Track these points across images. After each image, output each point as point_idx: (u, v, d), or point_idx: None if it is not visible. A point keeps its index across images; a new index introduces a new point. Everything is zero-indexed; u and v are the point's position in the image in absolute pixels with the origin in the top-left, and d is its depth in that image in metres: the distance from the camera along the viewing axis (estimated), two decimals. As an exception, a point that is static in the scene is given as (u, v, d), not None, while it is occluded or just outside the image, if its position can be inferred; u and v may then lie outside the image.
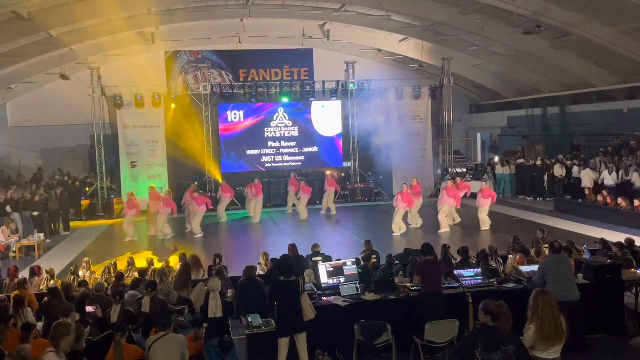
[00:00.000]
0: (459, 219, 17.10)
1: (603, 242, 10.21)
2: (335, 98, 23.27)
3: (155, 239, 16.77)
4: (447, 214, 16.56)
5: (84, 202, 21.18)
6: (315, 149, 23.38)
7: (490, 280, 8.34)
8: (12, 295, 8.22)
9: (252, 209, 19.19)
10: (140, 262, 11.58)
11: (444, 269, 8.18)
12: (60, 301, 7.85)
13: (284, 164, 23.07)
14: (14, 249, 15.10)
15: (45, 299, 8.14)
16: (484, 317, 5.09)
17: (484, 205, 16.38)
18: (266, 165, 22.96)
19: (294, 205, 20.04)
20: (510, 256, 9.85)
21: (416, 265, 8.11)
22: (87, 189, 21.90)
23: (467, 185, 18.31)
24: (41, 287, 9.71)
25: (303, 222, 18.63)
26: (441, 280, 7.87)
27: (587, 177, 18.80)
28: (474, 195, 17.77)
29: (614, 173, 18.08)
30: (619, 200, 16.33)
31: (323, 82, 23.11)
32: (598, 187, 18.15)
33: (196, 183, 18.49)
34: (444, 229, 16.15)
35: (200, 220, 17.30)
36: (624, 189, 17.44)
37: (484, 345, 4.87)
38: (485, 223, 16.31)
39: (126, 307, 7.72)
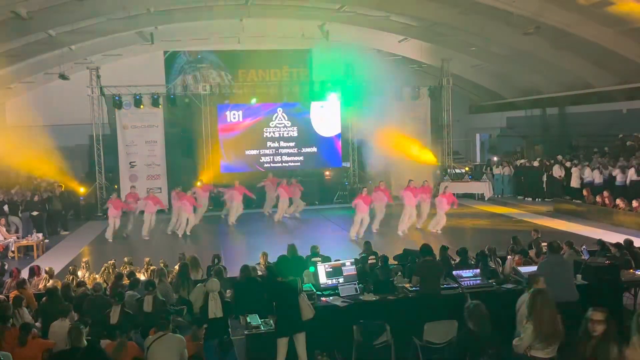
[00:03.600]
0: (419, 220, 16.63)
1: (601, 243, 10.22)
2: (334, 99, 23.26)
3: (157, 238, 16.82)
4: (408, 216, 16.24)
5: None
6: (314, 149, 23.37)
7: (489, 281, 8.35)
8: (10, 295, 8.22)
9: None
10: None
11: (442, 269, 8.19)
12: (58, 302, 7.85)
13: (283, 164, 23.06)
14: (12, 249, 15.09)
15: (44, 299, 8.14)
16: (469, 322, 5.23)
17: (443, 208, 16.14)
18: (265, 165, 22.93)
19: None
20: (509, 257, 9.85)
21: (415, 265, 8.12)
22: (84, 189, 21.88)
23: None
24: (40, 287, 9.71)
25: (300, 223, 18.66)
26: (440, 281, 7.88)
27: (574, 177, 19.51)
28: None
29: (596, 171, 18.71)
30: (618, 201, 16.36)
31: (322, 82, 23.10)
32: (595, 188, 18.27)
33: (180, 188, 18.37)
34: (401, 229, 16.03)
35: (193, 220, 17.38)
36: (611, 187, 17.87)
37: (470, 351, 4.94)
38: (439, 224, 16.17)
39: (126, 308, 7.73)
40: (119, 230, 17.03)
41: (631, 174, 17.58)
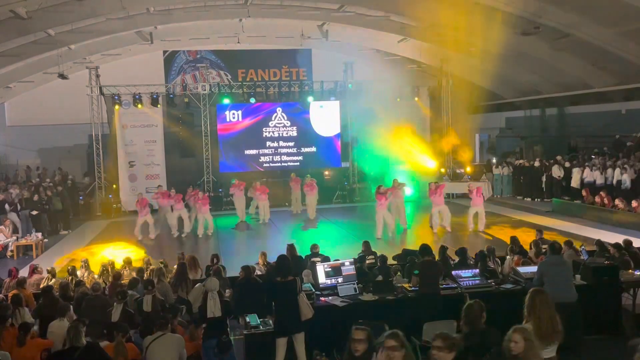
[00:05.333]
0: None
1: (599, 244, 10.22)
2: (333, 98, 23.27)
3: (157, 238, 16.82)
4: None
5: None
6: (313, 149, 23.37)
7: (488, 281, 8.35)
8: (9, 294, 8.21)
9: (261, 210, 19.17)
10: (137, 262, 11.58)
11: (442, 269, 8.19)
12: (54, 301, 7.85)
13: (283, 164, 23.06)
14: (11, 249, 15.07)
15: (41, 299, 8.15)
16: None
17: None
18: (264, 165, 22.94)
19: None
20: (508, 257, 9.86)
21: (414, 266, 8.12)
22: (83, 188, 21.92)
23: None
24: (42, 286, 9.69)
25: (303, 222, 18.64)
26: (439, 281, 7.87)
27: (574, 178, 19.49)
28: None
29: (596, 172, 18.74)
30: (617, 201, 16.39)
31: (322, 82, 23.12)
32: (595, 188, 18.31)
33: (198, 183, 18.51)
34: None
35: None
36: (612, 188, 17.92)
37: (473, 351, 4.94)
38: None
39: (128, 307, 7.73)
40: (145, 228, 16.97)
41: (616, 174, 17.79)
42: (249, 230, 18.14)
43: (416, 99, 23.65)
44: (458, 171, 23.97)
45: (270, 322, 7.10)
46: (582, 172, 19.29)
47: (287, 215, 19.99)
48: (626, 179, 17.47)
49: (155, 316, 7.34)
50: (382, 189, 16.18)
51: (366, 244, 11.10)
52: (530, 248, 10.43)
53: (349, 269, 8.37)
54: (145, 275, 9.89)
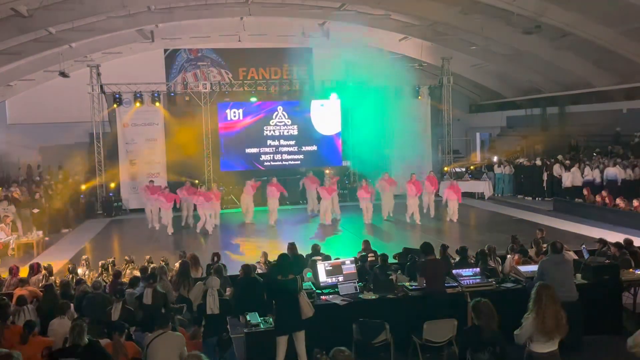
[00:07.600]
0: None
1: (602, 242, 10.21)
2: (334, 97, 23.24)
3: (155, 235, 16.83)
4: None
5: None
6: (314, 147, 23.36)
7: (489, 280, 8.34)
8: (15, 293, 8.21)
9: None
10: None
11: (446, 267, 8.19)
12: (54, 299, 7.84)
13: (283, 162, 23.06)
14: (12, 247, 15.07)
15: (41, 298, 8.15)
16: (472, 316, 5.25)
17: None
18: (265, 164, 22.94)
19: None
20: (509, 256, 9.84)
21: (419, 266, 8.09)
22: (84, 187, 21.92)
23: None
24: (40, 285, 9.69)
25: (306, 223, 18.63)
26: (444, 279, 7.87)
27: (569, 177, 19.69)
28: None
29: (596, 170, 18.91)
30: (618, 200, 16.38)
31: (323, 81, 23.10)
32: (595, 187, 18.31)
33: (197, 181, 18.55)
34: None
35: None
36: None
37: (472, 346, 4.94)
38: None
39: (127, 305, 7.73)
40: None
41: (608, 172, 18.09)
42: (251, 229, 18.12)
43: (417, 97, 23.60)
44: (458, 170, 23.97)
45: (271, 320, 7.10)
46: (583, 170, 19.30)
47: (288, 215, 19.97)
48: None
49: (155, 309, 7.33)
50: (364, 183, 17.97)
51: (366, 243, 11.10)
52: (531, 247, 10.43)
53: (349, 267, 8.36)
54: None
